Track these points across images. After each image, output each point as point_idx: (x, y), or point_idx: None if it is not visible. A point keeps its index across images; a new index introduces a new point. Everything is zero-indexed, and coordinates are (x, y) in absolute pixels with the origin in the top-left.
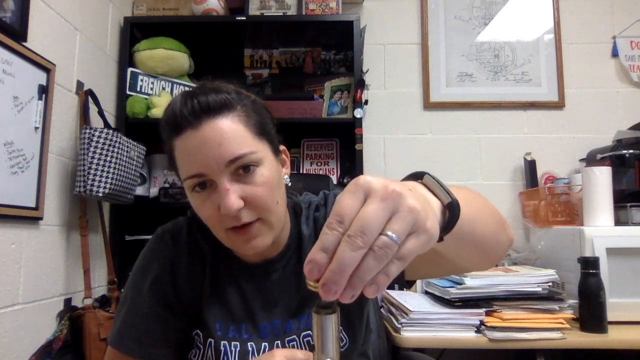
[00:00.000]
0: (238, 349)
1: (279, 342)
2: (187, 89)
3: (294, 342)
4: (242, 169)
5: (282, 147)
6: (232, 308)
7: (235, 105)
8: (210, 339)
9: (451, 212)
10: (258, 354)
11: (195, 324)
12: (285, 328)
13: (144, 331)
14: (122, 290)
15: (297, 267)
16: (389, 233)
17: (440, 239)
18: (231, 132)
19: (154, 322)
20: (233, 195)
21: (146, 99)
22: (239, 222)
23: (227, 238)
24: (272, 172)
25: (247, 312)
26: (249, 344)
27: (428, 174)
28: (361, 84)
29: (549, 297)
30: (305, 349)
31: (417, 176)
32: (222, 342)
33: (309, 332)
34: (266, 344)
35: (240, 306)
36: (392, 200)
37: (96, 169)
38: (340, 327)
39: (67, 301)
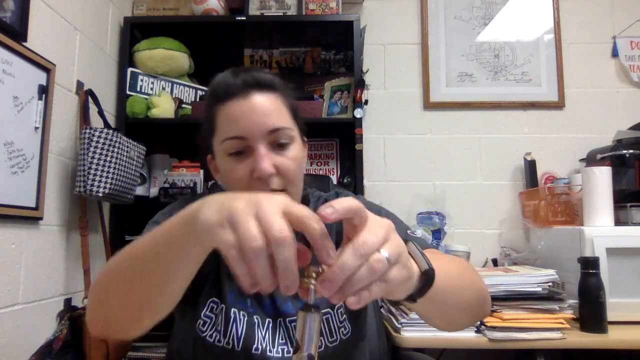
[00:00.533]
0: (246, 318)
1: (281, 319)
2: (187, 89)
3: (296, 323)
4: (278, 143)
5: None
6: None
7: (279, 87)
8: (222, 305)
9: (426, 279)
10: (263, 328)
11: (212, 292)
12: (285, 308)
13: None
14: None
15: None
16: (383, 251)
17: (414, 301)
18: (275, 107)
19: None
20: (268, 160)
21: (146, 99)
22: (268, 188)
23: None
24: (300, 152)
25: None
26: (255, 316)
27: (412, 242)
28: (361, 84)
29: (549, 297)
30: None
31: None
32: (232, 309)
33: None
34: (270, 320)
35: None
36: (386, 228)
37: (96, 169)
38: (345, 317)
39: (67, 301)
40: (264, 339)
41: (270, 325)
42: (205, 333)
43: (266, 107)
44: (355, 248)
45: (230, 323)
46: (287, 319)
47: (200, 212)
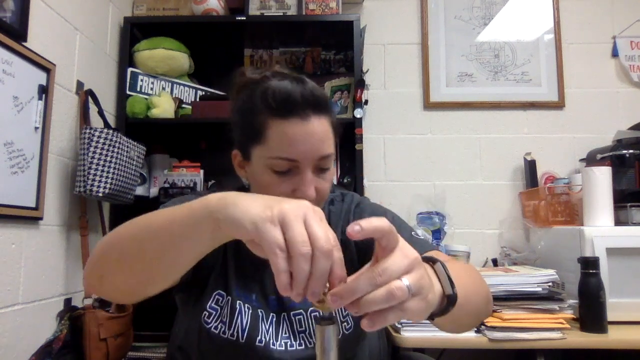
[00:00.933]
0: (250, 311)
1: (285, 314)
2: (187, 89)
3: (301, 316)
4: (321, 167)
5: None
6: (247, 277)
7: (330, 106)
8: (228, 297)
9: (449, 302)
10: (267, 322)
11: (218, 284)
12: (291, 304)
13: None
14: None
15: None
16: (405, 280)
17: (431, 318)
18: (328, 132)
19: None
20: (313, 185)
21: (146, 99)
22: None
23: None
24: (334, 172)
25: (259, 283)
26: (259, 310)
27: (440, 261)
28: (361, 84)
29: (549, 297)
30: (312, 324)
31: (429, 259)
32: (237, 301)
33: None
34: (274, 314)
35: (253, 276)
36: (412, 260)
37: (96, 169)
38: (347, 311)
39: (67, 301)
40: (267, 332)
41: (274, 319)
42: (210, 324)
43: (321, 134)
44: (373, 275)
45: (236, 315)
46: (292, 313)
47: (238, 204)
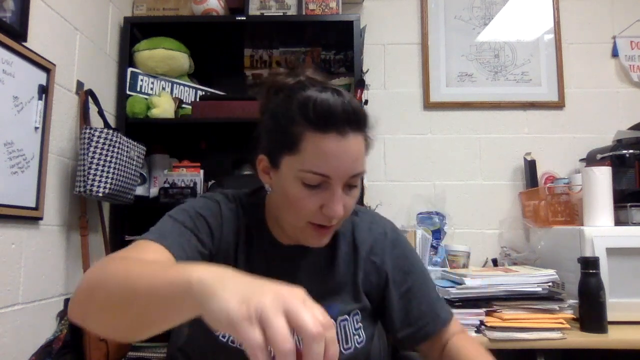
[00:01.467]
0: None
1: None
2: (187, 89)
3: None
4: (351, 184)
5: None
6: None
7: (367, 124)
8: None
9: None
10: None
11: None
12: None
13: (186, 239)
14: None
15: (326, 259)
16: None
17: None
18: (362, 150)
19: (196, 239)
20: (341, 203)
21: (146, 99)
22: (329, 224)
23: (304, 228)
24: (359, 189)
25: None
26: None
27: None
28: (361, 84)
29: (549, 297)
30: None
31: None
32: None
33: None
34: None
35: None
36: None
37: (96, 169)
38: (360, 325)
39: (67, 301)
40: None
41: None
42: (219, 332)
43: (356, 152)
44: None
45: None
46: None
47: (217, 296)
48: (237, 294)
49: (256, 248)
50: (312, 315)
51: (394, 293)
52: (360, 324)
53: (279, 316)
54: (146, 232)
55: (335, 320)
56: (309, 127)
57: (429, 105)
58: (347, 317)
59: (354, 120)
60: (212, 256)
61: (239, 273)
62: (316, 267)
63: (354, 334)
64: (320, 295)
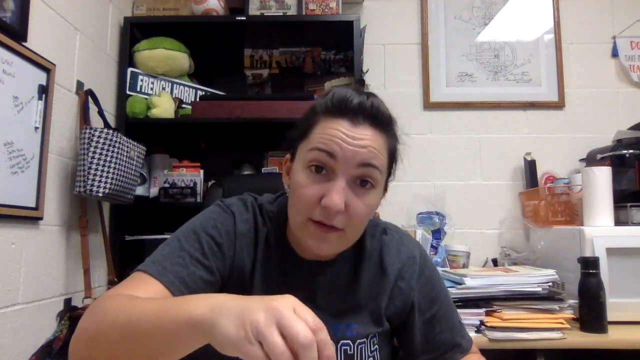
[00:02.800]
0: None
1: None
2: (187, 89)
3: None
4: (362, 181)
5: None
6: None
7: (391, 129)
8: None
9: None
10: None
11: None
12: None
13: (189, 272)
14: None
15: (348, 277)
16: None
17: None
18: (377, 146)
19: (202, 269)
20: (341, 196)
21: (146, 99)
22: (328, 222)
23: (303, 224)
24: (377, 201)
25: None
26: None
27: None
28: (361, 84)
29: (549, 297)
30: (341, 357)
31: None
32: None
33: (347, 341)
34: None
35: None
36: None
37: (96, 169)
38: (376, 347)
39: (67, 301)
40: None
41: None
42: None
43: (368, 141)
44: None
45: None
46: None
47: (218, 325)
48: (233, 318)
49: (273, 262)
50: (302, 323)
51: (417, 320)
52: (376, 346)
53: (272, 330)
54: (151, 255)
55: (354, 343)
56: (324, 113)
57: (429, 105)
58: (365, 340)
59: (370, 114)
60: (225, 279)
61: (232, 296)
62: (336, 285)
63: (369, 356)
64: (337, 314)
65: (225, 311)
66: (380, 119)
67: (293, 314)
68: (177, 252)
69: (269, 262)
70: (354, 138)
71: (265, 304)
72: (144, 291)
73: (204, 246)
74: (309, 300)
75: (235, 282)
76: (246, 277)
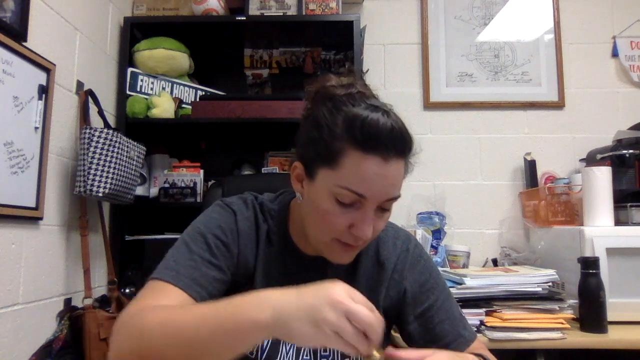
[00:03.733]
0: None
1: None
2: (187, 89)
3: None
4: (384, 207)
5: None
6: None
7: (411, 150)
8: None
9: None
10: (288, 344)
11: None
12: None
13: (202, 274)
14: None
15: (347, 273)
16: None
17: None
18: (401, 176)
19: (213, 269)
20: (372, 225)
21: (146, 99)
22: (356, 244)
23: (329, 243)
24: (390, 212)
25: None
26: None
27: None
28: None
29: (549, 297)
30: (339, 351)
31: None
32: None
33: None
34: None
35: None
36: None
37: (96, 169)
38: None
39: (67, 301)
40: (287, 353)
41: (295, 345)
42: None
43: (396, 178)
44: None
45: None
46: None
47: (293, 328)
48: (306, 320)
49: (274, 258)
50: (363, 308)
51: (411, 308)
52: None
53: (345, 324)
54: (161, 262)
55: None
56: (353, 144)
57: (429, 105)
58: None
59: (399, 146)
60: (233, 275)
61: (281, 292)
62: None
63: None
64: None
65: (294, 313)
66: (406, 148)
67: (353, 303)
68: (187, 256)
69: (270, 258)
70: (385, 177)
71: (327, 298)
72: (166, 299)
73: (212, 246)
74: None
75: (241, 277)
76: (249, 272)
